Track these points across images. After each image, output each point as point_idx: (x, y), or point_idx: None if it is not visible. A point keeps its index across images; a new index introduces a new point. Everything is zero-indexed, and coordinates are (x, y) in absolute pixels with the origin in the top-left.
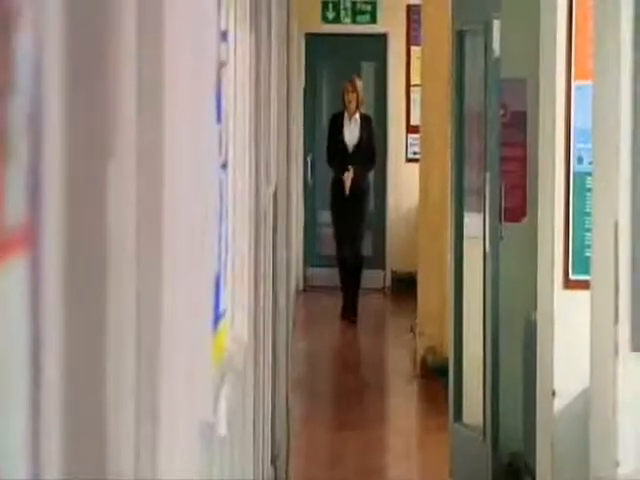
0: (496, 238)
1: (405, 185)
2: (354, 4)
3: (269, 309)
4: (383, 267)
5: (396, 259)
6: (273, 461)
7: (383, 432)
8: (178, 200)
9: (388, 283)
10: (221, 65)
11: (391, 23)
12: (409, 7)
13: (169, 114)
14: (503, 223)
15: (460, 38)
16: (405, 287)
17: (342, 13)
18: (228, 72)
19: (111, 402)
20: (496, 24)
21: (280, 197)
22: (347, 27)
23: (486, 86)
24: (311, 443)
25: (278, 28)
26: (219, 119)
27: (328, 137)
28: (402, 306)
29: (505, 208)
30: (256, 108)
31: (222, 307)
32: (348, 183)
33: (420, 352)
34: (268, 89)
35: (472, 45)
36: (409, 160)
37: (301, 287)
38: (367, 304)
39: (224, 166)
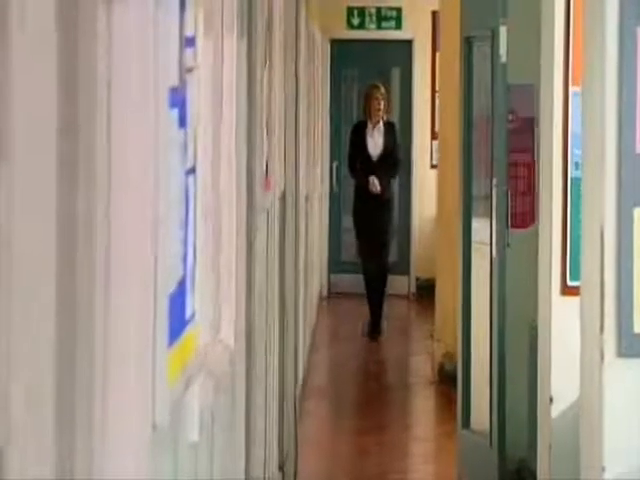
0: (503, 244)
1: (430, 191)
2: (379, 10)
3: (274, 314)
4: (408, 273)
5: (421, 265)
6: (281, 466)
7: (395, 437)
8: (122, 208)
9: (413, 289)
10: (187, 71)
11: (416, 29)
12: (434, 13)
13: (115, 124)
14: (511, 229)
15: (468, 44)
16: (429, 293)
17: (367, 19)
18: (196, 77)
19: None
20: (502, 30)
21: (288, 201)
22: (372, 33)
23: (493, 92)
24: (324, 448)
25: (286, 33)
26: (183, 124)
27: (350, 148)
28: (426, 312)
29: (514, 214)
30: (249, 113)
31: (190, 311)
32: (377, 186)
33: (438, 358)
34: (268, 93)
35: (480, 51)
36: (434, 166)
37: (325, 293)
38: (391, 310)
39: (191, 171)
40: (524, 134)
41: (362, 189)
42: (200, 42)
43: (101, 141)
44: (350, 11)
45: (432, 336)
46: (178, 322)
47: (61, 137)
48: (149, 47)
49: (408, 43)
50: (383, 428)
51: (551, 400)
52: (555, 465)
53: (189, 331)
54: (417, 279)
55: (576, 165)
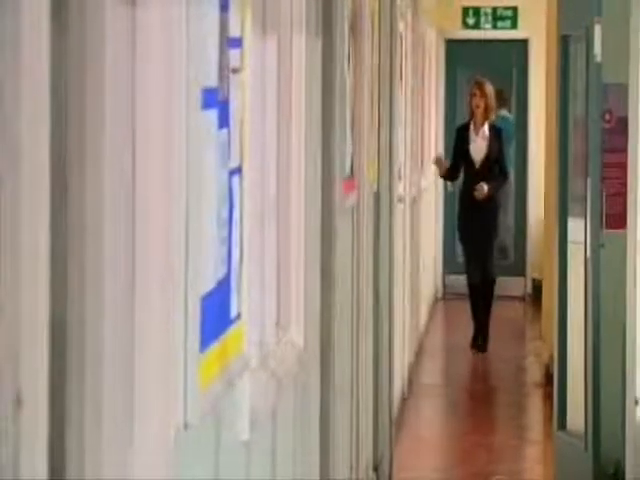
0: (597, 245)
1: None
2: (495, 10)
3: (366, 314)
4: (524, 274)
5: (537, 267)
6: (376, 467)
7: (497, 439)
8: (146, 209)
9: (529, 290)
10: (232, 71)
11: (532, 28)
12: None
13: (139, 124)
14: (606, 230)
15: (564, 43)
16: None
17: (482, 19)
18: (242, 78)
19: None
20: (597, 29)
21: (383, 201)
22: (487, 33)
23: (587, 91)
24: (424, 448)
25: (380, 33)
26: (225, 124)
27: (453, 150)
28: (540, 314)
29: (608, 215)
30: (324, 112)
31: (234, 311)
32: (484, 190)
33: (545, 360)
34: (353, 93)
35: (576, 50)
36: None
37: (440, 295)
38: (506, 312)
39: (236, 171)
40: (619, 134)
41: (465, 194)
42: (248, 43)
43: (123, 141)
44: (465, 11)
45: (541, 337)
46: (219, 321)
47: (62, 136)
48: (176, 48)
49: (524, 42)
50: (487, 430)
51: (637, 402)
52: (638, 467)
53: (233, 330)
54: (533, 280)
55: None
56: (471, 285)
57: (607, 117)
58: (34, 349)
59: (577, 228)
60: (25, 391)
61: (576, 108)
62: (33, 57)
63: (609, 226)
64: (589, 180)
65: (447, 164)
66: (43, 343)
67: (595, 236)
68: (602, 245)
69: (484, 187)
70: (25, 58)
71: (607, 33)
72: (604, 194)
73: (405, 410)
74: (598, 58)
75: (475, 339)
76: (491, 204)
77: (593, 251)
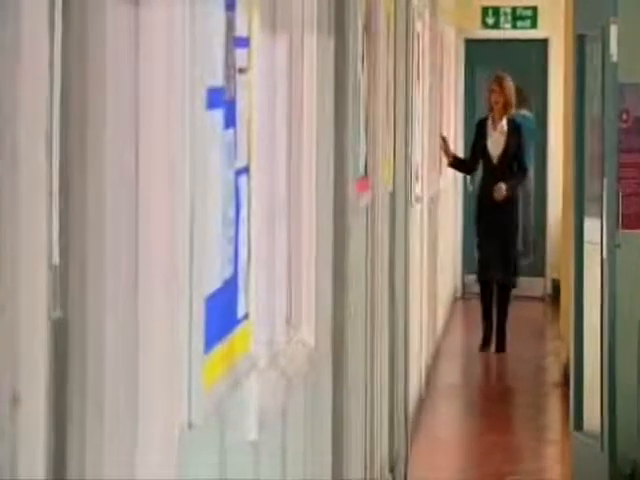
0: (613, 245)
1: None
2: (514, 9)
3: (376, 315)
4: (543, 274)
5: (557, 266)
6: (392, 468)
7: (512, 439)
8: (149, 208)
9: (549, 291)
10: (239, 71)
11: (552, 28)
12: None
13: (142, 124)
14: (622, 230)
15: (581, 42)
16: None
17: (502, 18)
18: (249, 77)
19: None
20: (613, 29)
21: (398, 201)
22: (507, 32)
23: (603, 91)
24: (441, 449)
25: (395, 33)
26: (232, 124)
27: (472, 144)
28: (560, 314)
29: (624, 215)
30: (337, 112)
31: (241, 311)
32: (503, 192)
33: (563, 360)
34: (368, 93)
35: (592, 50)
36: None
37: (459, 294)
38: (526, 312)
39: (243, 171)
40: (636, 134)
41: (483, 194)
42: (255, 42)
43: (125, 141)
44: (485, 11)
45: (560, 337)
46: (226, 321)
47: (63, 136)
48: (180, 47)
49: (543, 42)
50: (504, 430)
51: None
52: None
53: (240, 330)
54: (553, 281)
55: None
56: (483, 283)
57: (624, 117)
58: (32, 348)
59: (594, 228)
60: (23, 390)
61: (593, 108)
62: (34, 57)
63: (625, 226)
64: (605, 180)
65: (453, 149)
66: (41, 342)
67: (611, 236)
68: (618, 245)
69: (502, 188)
70: (25, 58)
71: (623, 33)
72: (620, 194)
73: (422, 411)
74: (614, 58)
75: (485, 339)
76: (510, 205)
77: (609, 251)
